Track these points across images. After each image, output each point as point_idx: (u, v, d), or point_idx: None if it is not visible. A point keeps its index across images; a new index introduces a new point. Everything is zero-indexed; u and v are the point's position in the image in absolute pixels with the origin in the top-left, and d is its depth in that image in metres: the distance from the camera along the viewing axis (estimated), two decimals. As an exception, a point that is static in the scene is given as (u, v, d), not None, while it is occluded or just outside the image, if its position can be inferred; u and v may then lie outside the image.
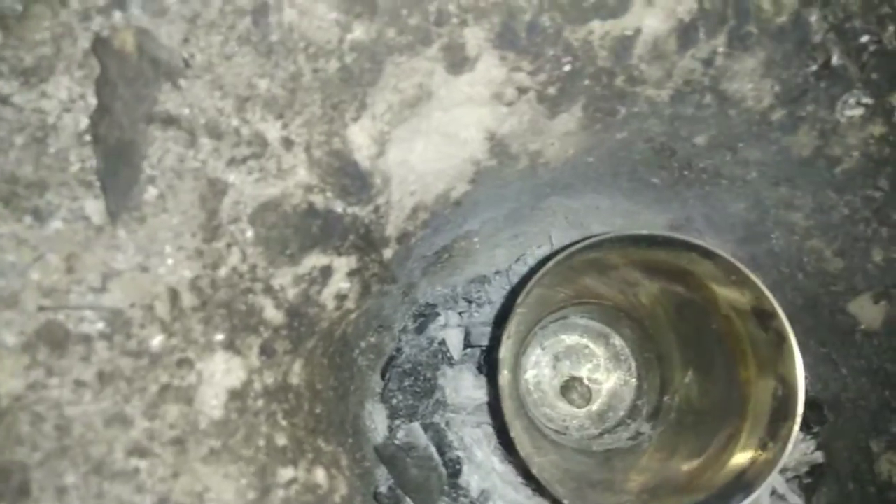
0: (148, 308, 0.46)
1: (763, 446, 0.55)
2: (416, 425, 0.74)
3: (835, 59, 0.51)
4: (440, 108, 0.55)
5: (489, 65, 0.52)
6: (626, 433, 0.81)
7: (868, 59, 0.51)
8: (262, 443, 0.50)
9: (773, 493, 0.73)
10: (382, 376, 0.77)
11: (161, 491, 0.44)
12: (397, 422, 0.75)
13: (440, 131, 0.56)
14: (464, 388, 0.78)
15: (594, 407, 0.85)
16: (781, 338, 0.55)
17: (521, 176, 0.63)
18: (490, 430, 0.79)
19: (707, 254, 0.56)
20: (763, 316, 0.56)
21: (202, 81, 0.47)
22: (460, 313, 0.82)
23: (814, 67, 0.52)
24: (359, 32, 0.48)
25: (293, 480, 0.50)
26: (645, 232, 0.56)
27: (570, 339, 0.86)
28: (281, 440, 0.51)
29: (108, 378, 0.44)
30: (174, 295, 0.47)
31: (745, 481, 0.55)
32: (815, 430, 0.73)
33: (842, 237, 0.59)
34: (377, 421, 0.74)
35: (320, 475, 0.54)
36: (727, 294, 0.59)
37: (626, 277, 0.69)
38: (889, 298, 0.59)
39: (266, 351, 0.51)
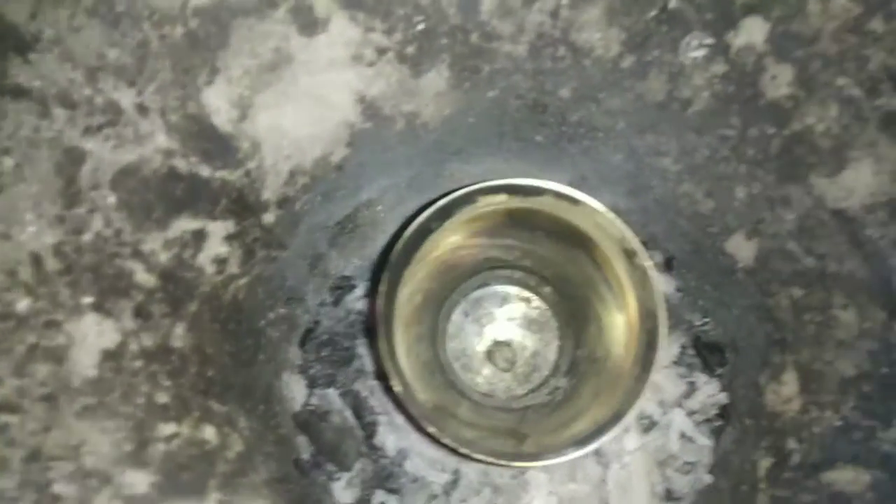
0: (11, 273, 0.48)
1: (638, 378, 0.57)
2: (331, 391, 0.76)
3: (672, 3, 0.53)
4: (305, 73, 0.57)
5: (342, 26, 0.55)
6: (546, 389, 0.83)
7: (702, 1, 0.53)
8: (140, 400, 0.52)
9: (682, 436, 0.75)
10: (301, 348, 0.79)
11: (32, 444, 0.46)
12: (315, 390, 0.77)
13: (310, 95, 0.58)
14: (381, 354, 0.80)
15: (519, 369, 0.87)
16: (643, 271, 0.57)
17: (402, 139, 0.65)
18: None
19: (573, 200, 0.58)
20: (630, 254, 0.58)
21: (52, 55, 0.49)
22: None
23: (653, 12, 0.54)
24: (202, -1, 0.50)
25: (175, 435, 0.52)
26: (517, 181, 0.58)
27: (492, 304, 0.88)
28: (162, 398, 0.53)
29: (-27, 341, 0.46)
30: (37, 260, 0.49)
31: (619, 412, 0.57)
32: (719, 372, 0.75)
33: (707, 178, 0.61)
34: (295, 391, 0.76)
35: (209, 432, 0.56)
36: (602, 239, 0.61)
37: (517, 235, 0.71)
38: (759, 234, 0.61)
39: (141, 314, 0.53)
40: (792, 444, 0.59)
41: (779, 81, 0.52)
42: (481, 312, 0.87)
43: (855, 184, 0.51)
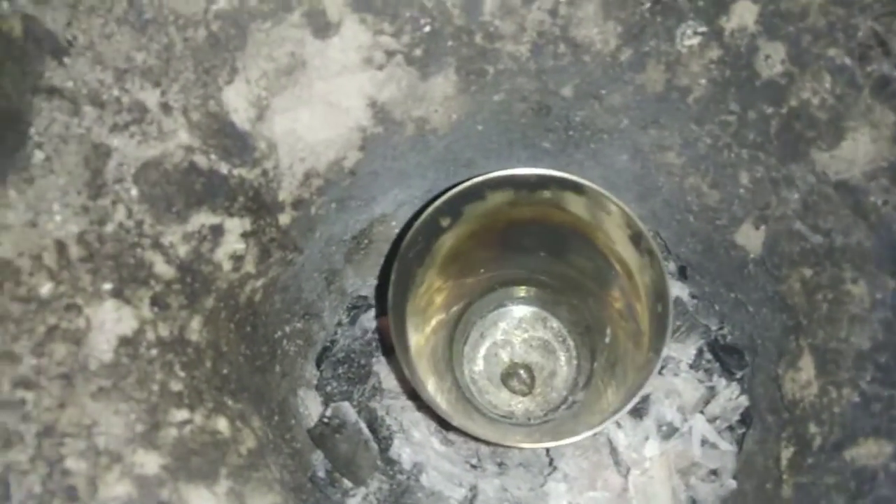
0: (36, 258, 0.50)
1: (650, 361, 0.57)
2: (346, 404, 0.76)
3: (664, -6, 0.56)
4: (319, 78, 0.60)
5: (353, 30, 0.58)
6: (565, 405, 0.82)
7: (693, -10, 0.56)
8: (155, 387, 0.52)
9: (705, 442, 0.73)
10: (318, 367, 0.79)
11: (47, 420, 0.47)
12: (330, 404, 0.77)
13: (324, 100, 0.61)
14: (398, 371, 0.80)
15: (537, 390, 0.86)
16: (651, 255, 0.57)
17: (413, 145, 0.67)
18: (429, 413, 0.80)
19: (577, 187, 0.59)
20: (637, 240, 0.59)
21: (84, 58, 0.52)
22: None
23: (647, 4, 0.57)
24: (222, 2, 0.54)
25: (188, 421, 0.53)
26: (520, 172, 0.60)
27: (508, 326, 0.88)
28: (176, 386, 0.54)
29: (-3, 320, 0.48)
30: (61, 247, 0.51)
31: (631, 392, 0.56)
32: (739, 375, 0.74)
33: (712, 168, 0.63)
34: (311, 408, 0.76)
35: (222, 423, 0.56)
36: (609, 228, 0.62)
37: (525, 243, 0.72)
38: (765, 220, 0.61)
39: (158, 303, 0.54)
40: (813, 428, 0.58)
41: (772, 60, 0.54)
42: (498, 335, 0.87)
43: (854, 153, 0.52)
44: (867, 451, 0.51)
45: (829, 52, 0.51)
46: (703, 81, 0.58)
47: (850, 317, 0.55)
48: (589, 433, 0.56)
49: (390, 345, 0.72)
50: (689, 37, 0.57)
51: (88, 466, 0.47)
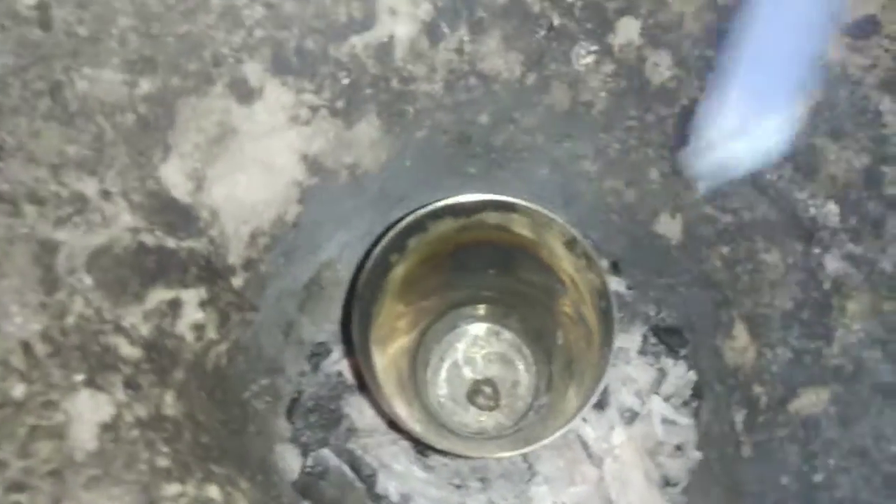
0: (4, 362, 0.50)
1: (602, 355, 0.61)
2: (325, 450, 0.78)
3: (556, 21, 0.62)
4: (250, 141, 0.62)
5: (276, 92, 0.61)
6: (532, 411, 0.86)
7: (580, 14, 0.61)
8: (143, 467, 0.53)
9: (665, 420, 0.78)
10: (289, 419, 0.80)
11: (43, 520, 0.47)
12: (310, 453, 0.78)
13: (257, 162, 0.63)
14: (368, 408, 0.82)
15: (503, 402, 0.89)
16: (588, 257, 0.62)
17: (348, 191, 0.70)
18: (407, 444, 0.82)
19: (510, 207, 0.64)
20: (572, 246, 0.63)
21: (16, 159, 0.53)
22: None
23: (542, 32, 0.62)
24: (146, 86, 0.56)
25: (181, 494, 0.54)
26: (457, 200, 0.64)
27: (464, 344, 0.91)
28: (163, 462, 0.55)
29: (-25, 431, 0.48)
30: (27, 347, 0.51)
31: (589, 390, 0.61)
32: (682, 353, 0.79)
33: (624, 169, 0.68)
34: (290, 461, 0.77)
35: (213, 491, 0.57)
36: (547, 239, 0.66)
37: (473, 264, 0.76)
38: (680, 209, 0.67)
39: (130, 385, 0.55)
40: (757, 389, 0.63)
41: (660, 67, 0.61)
42: (456, 355, 0.90)
43: (745, 139, 0.59)
44: (808, 401, 0.57)
45: (708, 53, 0.58)
46: (602, 94, 0.64)
47: (770, 283, 0.61)
48: (559, 433, 0.60)
49: (362, 382, 0.75)
50: (584, 56, 0.63)
51: (91, 557, 0.47)
